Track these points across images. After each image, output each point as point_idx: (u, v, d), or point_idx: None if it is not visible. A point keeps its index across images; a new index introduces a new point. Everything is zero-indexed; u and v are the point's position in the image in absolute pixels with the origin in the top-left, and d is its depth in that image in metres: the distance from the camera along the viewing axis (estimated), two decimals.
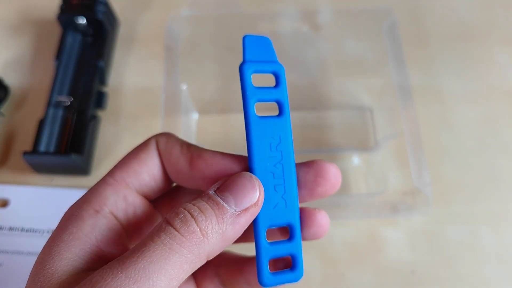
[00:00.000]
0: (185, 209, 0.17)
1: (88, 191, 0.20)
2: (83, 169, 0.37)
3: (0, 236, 0.34)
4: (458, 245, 0.34)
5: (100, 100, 0.40)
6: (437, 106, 0.40)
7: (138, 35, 0.44)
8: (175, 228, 0.16)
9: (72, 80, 0.40)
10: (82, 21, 0.40)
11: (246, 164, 0.19)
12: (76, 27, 0.41)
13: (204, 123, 0.40)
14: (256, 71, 0.20)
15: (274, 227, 0.20)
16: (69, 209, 0.19)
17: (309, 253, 0.34)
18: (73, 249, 0.17)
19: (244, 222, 0.18)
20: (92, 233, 0.18)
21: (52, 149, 0.37)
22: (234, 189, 0.18)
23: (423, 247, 0.34)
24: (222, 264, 0.22)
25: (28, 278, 0.17)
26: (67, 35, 0.42)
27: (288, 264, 0.20)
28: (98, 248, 0.18)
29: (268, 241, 0.19)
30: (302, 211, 0.20)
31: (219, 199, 0.17)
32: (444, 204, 0.36)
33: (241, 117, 0.39)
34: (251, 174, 0.18)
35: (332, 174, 0.20)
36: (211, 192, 0.18)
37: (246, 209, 0.18)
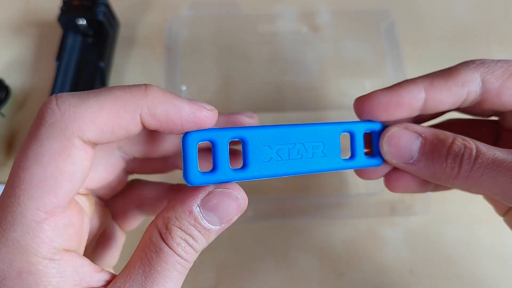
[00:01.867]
0: (181, 238, 0.19)
1: (11, 230, 0.16)
2: None
3: None
4: (456, 245, 0.35)
5: None
6: None
7: (138, 36, 0.45)
8: (182, 257, 0.19)
9: (73, 81, 0.40)
10: (83, 22, 0.41)
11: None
12: (77, 28, 0.41)
13: None
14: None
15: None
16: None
17: (308, 253, 0.34)
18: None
19: (225, 228, 0.20)
20: (65, 281, 0.18)
21: None
22: (219, 211, 0.19)
23: (421, 246, 0.35)
24: (144, 200, 0.25)
25: None
26: (67, 36, 0.42)
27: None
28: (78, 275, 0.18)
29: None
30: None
31: (207, 224, 0.19)
32: (442, 204, 0.36)
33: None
34: (237, 194, 0.19)
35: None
36: (195, 210, 0.19)
37: (229, 221, 0.20)
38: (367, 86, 0.40)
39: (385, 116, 0.23)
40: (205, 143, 0.20)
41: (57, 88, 0.39)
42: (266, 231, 0.35)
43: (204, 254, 0.35)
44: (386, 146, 0.23)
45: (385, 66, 0.37)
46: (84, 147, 0.17)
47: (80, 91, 0.18)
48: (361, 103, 0.23)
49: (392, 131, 0.23)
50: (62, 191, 0.17)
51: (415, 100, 0.22)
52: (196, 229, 0.19)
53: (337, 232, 0.35)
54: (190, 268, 0.36)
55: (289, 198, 0.36)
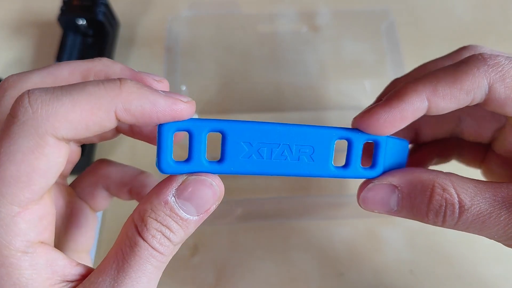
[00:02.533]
0: (157, 230, 0.18)
1: None
2: (83, 169, 0.37)
3: None
4: (456, 244, 0.35)
5: None
6: None
7: (138, 36, 0.45)
8: (157, 250, 0.18)
9: None
10: (83, 22, 0.41)
11: None
12: (77, 28, 0.41)
13: None
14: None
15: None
16: None
17: (308, 253, 0.34)
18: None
19: (204, 218, 0.20)
20: (38, 273, 0.18)
21: None
22: (195, 199, 0.19)
23: (421, 246, 0.35)
24: (110, 182, 0.25)
25: None
26: (67, 36, 0.42)
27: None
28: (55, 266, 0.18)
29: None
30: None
31: (184, 214, 0.19)
32: None
33: (240, 117, 0.40)
34: (212, 180, 0.19)
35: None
36: (171, 199, 0.18)
37: (206, 211, 0.19)
38: (367, 86, 0.40)
39: (391, 131, 0.22)
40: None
41: None
42: (266, 231, 0.35)
43: (204, 254, 0.35)
44: (362, 205, 0.23)
45: (385, 66, 0.37)
46: (58, 144, 0.17)
47: None
48: (362, 122, 0.22)
49: (363, 195, 0.22)
50: (37, 187, 0.17)
51: (418, 111, 0.21)
52: (173, 219, 0.19)
53: (337, 232, 0.35)
54: (190, 268, 0.36)
55: (289, 198, 0.36)
